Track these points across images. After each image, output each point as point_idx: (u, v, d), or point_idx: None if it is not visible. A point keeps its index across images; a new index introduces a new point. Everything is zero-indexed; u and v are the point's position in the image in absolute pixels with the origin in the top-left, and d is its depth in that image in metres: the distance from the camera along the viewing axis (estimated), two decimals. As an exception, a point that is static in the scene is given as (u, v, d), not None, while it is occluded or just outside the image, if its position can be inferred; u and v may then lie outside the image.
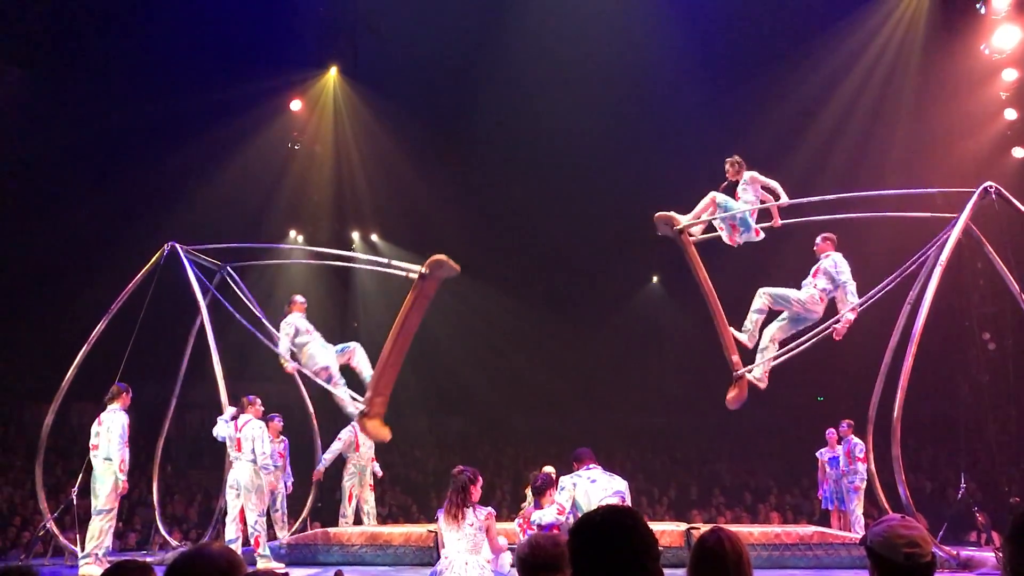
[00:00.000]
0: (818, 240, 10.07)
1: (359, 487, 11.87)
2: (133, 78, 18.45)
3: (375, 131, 20.64)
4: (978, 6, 16.61)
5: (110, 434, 9.51)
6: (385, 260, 11.10)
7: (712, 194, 10.08)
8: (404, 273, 10.33)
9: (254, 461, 9.76)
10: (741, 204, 9.93)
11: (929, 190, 11.30)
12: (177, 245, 10.98)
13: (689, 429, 23.05)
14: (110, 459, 9.47)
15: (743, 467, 20.86)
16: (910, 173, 18.63)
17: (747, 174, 9.99)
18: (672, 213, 10.23)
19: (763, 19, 19.04)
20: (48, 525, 10.46)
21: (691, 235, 10.21)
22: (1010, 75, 16.58)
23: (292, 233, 21.03)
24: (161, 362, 12.15)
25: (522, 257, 23.58)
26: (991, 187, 9.23)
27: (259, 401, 10.36)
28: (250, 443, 9.78)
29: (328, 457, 11.81)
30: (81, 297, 15.80)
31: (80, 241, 18.63)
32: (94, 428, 9.71)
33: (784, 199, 9.81)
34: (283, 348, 10.49)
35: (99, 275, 14.81)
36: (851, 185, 19.35)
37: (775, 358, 9.84)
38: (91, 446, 9.63)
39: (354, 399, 10.34)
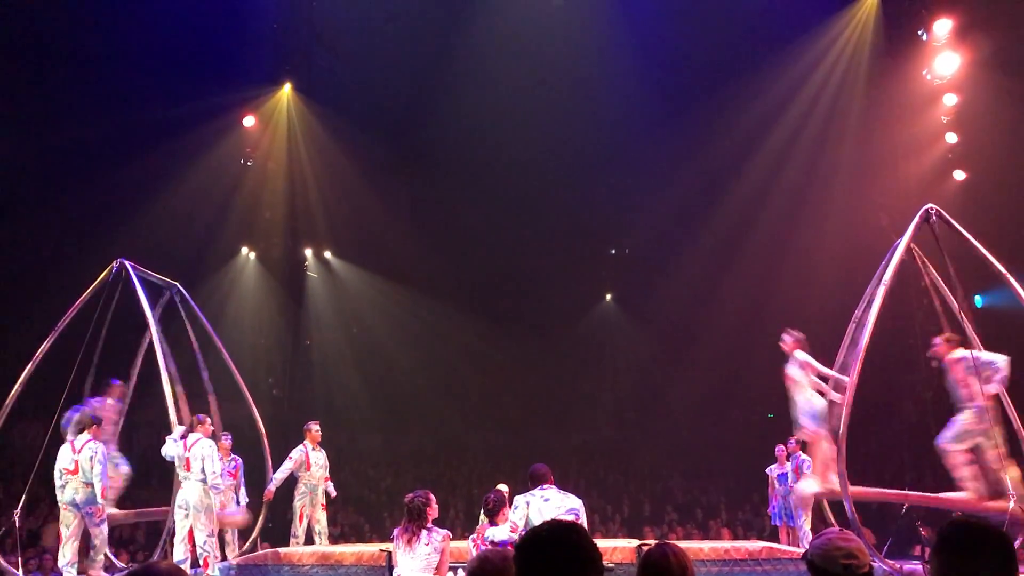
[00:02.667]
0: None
1: (310, 507, 11.76)
2: (82, 93, 18.15)
3: (329, 148, 20.59)
4: (920, 33, 17.11)
5: (92, 462, 9.75)
6: None
7: None
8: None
9: (204, 480, 9.66)
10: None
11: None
12: (126, 262, 10.82)
13: (642, 446, 23.22)
14: (92, 484, 9.74)
15: (695, 484, 21.03)
16: (856, 193, 19.07)
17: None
18: None
19: (713, 44, 19.41)
20: (-11, 548, 10.22)
21: None
22: (950, 100, 17.08)
23: (244, 250, 20.86)
24: (109, 381, 11.93)
25: (475, 275, 23.63)
26: (932, 209, 9.48)
27: (209, 420, 10.25)
28: (199, 462, 9.67)
29: (279, 477, 11.68)
30: (28, 315, 15.49)
31: (27, 258, 18.29)
32: (68, 454, 9.84)
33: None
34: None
35: (47, 292, 14.56)
36: (799, 204, 19.88)
37: None
38: (66, 469, 9.80)
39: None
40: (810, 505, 12.35)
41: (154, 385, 10.86)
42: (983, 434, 8.93)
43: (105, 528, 9.99)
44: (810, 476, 9.78)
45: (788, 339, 10.21)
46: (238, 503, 11.56)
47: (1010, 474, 8.72)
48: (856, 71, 18.70)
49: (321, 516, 11.86)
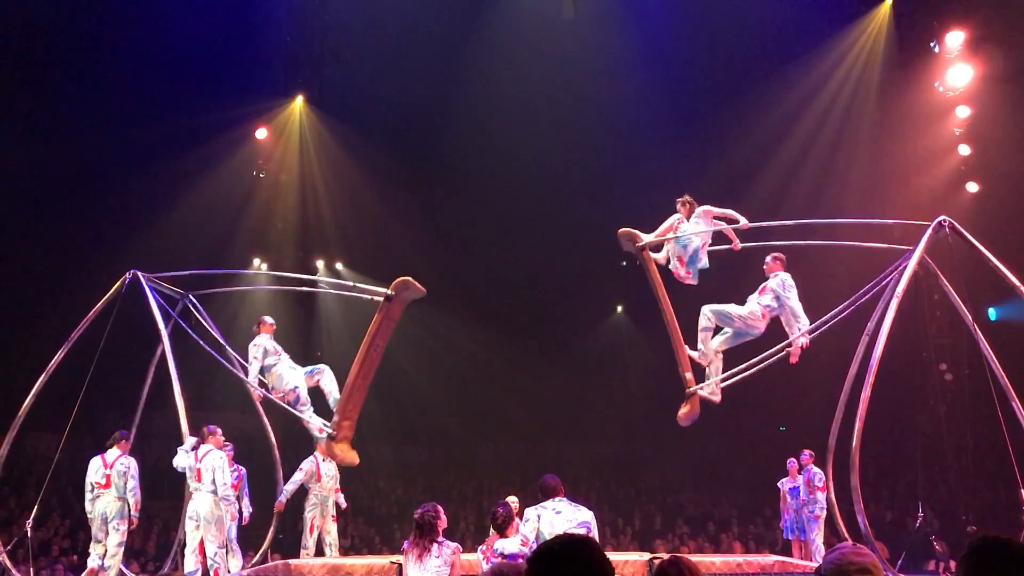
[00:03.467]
0: (768, 259, 10.25)
1: (321, 518, 11.75)
2: (97, 106, 18.29)
3: (341, 160, 20.66)
4: (932, 45, 17.07)
5: (125, 477, 10.16)
6: (350, 284, 11.14)
7: (677, 215, 10.21)
8: (370, 296, 10.40)
9: (214, 492, 9.68)
10: (694, 238, 10.07)
11: (886, 221, 11.45)
12: (139, 273, 10.87)
13: (654, 459, 23.13)
14: (125, 499, 10.13)
15: (707, 497, 20.94)
16: (868, 206, 18.99)
17: (699, 208, 10.13)
18: (635, 230, 10.35)
19: (725, 56, 19.43)
20: (1, 558, 10.25)
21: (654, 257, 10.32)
22: (963, 112, 17.03)
23: (256, 261, 20.92)
24: (121, 391, 11.98)
25: (487, 286, 23.63)
26: (945, 221, 9.44)
27: (220, 431, 10.28)
28: (210, 473, 9.70)
29: (290, 488, 11.69)
30: (41, 325, 15.57)
31: (41, 269, 18.40)
32: (99, 469, 10.18)
33: (742, 222, 9.95)
34: (253, 373, 10.50)
35: (60, 303, 14.63)
36: (811, 215, 19.79)
37: (727, 378, 9.94)
38: (97, 483, 10.13)
39: (325, 426, 10.33)
40: (822, 518, 12.31)
41: (166, 396, 10.90)
42: None
43: (124, 542, 10.23)
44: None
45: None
46: (241, 514, 11.56)
47: None
48: (868, 83, 18.67)
49: (331, 527, 11.86)
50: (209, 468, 9.74)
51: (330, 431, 9.95)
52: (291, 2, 19.41)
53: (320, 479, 11.70)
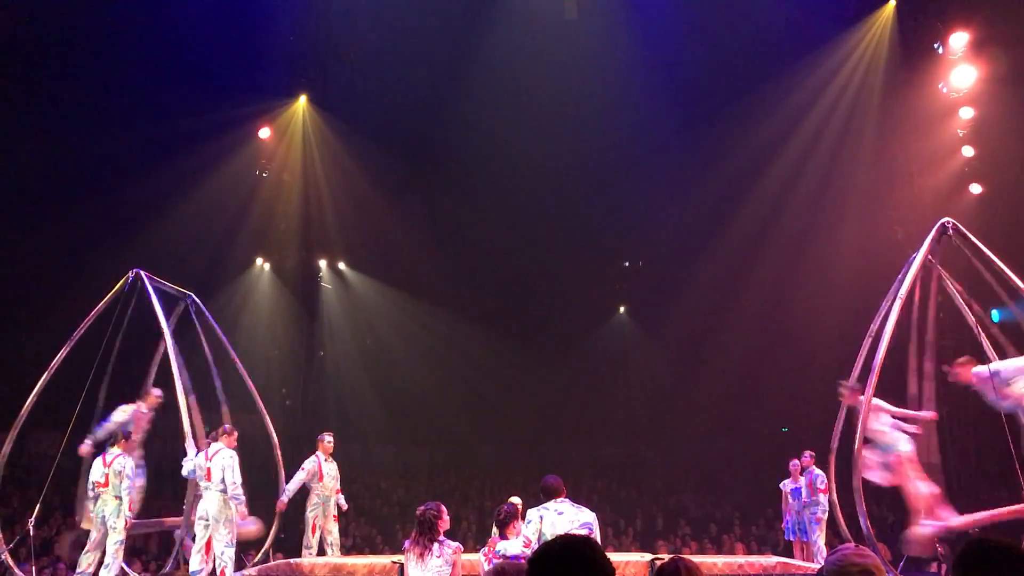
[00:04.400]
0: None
1: (323, 518, 11.76)
2: (100, 105, 18.34)
3: (344, 160, 20.67)
4: (936, 46, 17.06)
5: (120, 476, 10.11)
6: None
7: None
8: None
9: (224, 491, 9.69)
10: None
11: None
12: (142, 272, 10.88)
13: (655, 460, 23.13)
14: (120, 498, 10.07)
15: (709, 498, 20.92)
16: (871, 207, 19.00)
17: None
18: None
19: (729, 55, 19.40)
20: (3, 556, 10.27)
21: None
22: (967, 113, 17.02)
23: (259, 261, 20.95)
24: (124, 390, 11.98)
25: (489, 287, 23.65)
26: (949, 223, 9.43)
27: (236, 433, 10.33)
28: (220, 472, 9.72)
29: (292, 487, 11.69)
30: (44, 324, 15.59)
31: (45, 267, 18.43)
32: (99, 468, 10.17)
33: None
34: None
35: (63, 302, 14.64)
36: (814, 217, 19.83)
37: None
38: (97, 483, 10.12)
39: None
40: (824, 520, 12.29)
41: (168, 395, 10.92)
42: None
43: (123, 541, 10.14)
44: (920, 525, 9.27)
45: (846, 392, 9.85)
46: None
47: None
48: (871, 84, 18.65)
49: (333, 527, 11.86)
50: (219, 467, 9.75)
51: None
52: (295, 2, 19.42)
53: (322, 479, 11.71)
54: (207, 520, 9.73)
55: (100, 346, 10.42)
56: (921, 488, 9.25)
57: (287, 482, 11.88)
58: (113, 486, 10.07)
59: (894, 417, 9.56)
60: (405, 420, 22.67)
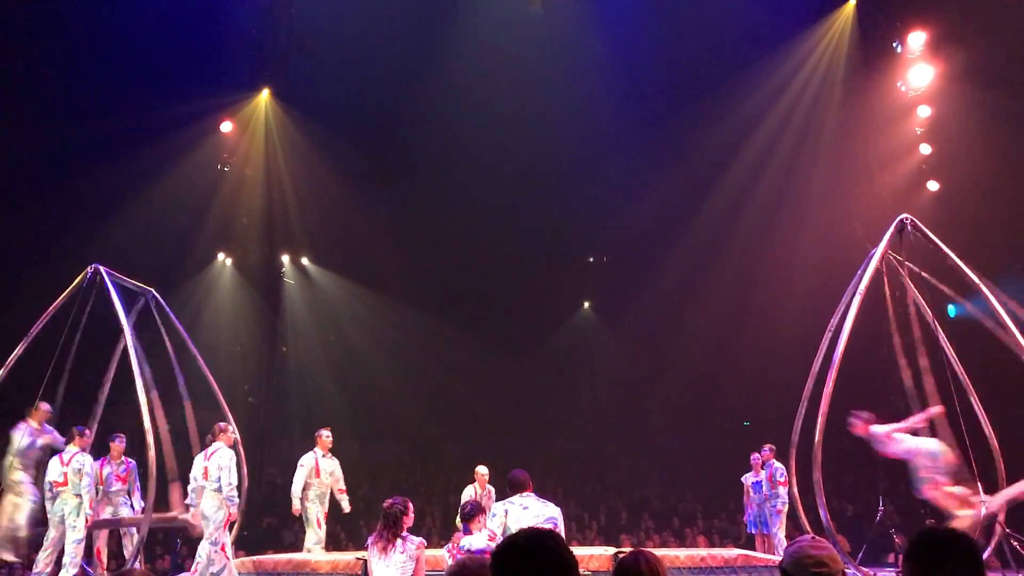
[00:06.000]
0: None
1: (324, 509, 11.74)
2: (59, 97, 18.03)
3: (307, 154, 20.52)
4: (894, 45, 17.32)
5: (80, 474, 9.99)
6: None
7: None
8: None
9: (219, 489, 9.58)
10: None
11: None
12: (101, 268, 10.71)
13: (619, 454, 23.27)
14: (80, 496, 9.96)
15: (672, 492, 21.09)
16: (832, 204, 19.25)
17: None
18: None
19: (691, 54, 19.52)
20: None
21: None
22: (924, 111, 17.32)
23: (221, 256, 20.74)
24: (83, 387, 11.81)
25: (453, 282, 23.61)
26: (907, 219, 9.58)
27: (231, 428, 10.24)
28: (217, 471, 9.60)
29: (297, 490, 11.48)
30: (1, 320, 15.32)
31: (2, 262, 18.10)
32: (56, 467, 10.07)
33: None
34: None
35: (20, 297, 14.41)
36: (775, 213, 20.05)
37: None
38: (55, 482, 10.02)
39: None
40: (784, 512, 12.44)
41: (128, 392, 10.77)
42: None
43: (82, 540, 10.03)
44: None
45: (858, 423, 9.91)
46: (132, 508, 11.29)
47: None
48: (832, 82, 18.90)
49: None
50: (215, 466, 9.65)
51: None
52: (257, -6, 19.23)
53: (319, 474, 11.65)
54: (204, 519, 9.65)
55: (58, 342, 10.26)
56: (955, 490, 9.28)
57: (248, 479, 11.76)
58: (72, 484, 9.96)
59: (907, 433, 9.62)
60: (369, 416, 22.58)
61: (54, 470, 10.07)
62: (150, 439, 9.84)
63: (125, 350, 10.59)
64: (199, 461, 9.85)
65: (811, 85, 19.08)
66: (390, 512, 6.74)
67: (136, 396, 10.12)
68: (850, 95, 18.68)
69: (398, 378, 22.51)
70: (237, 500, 9.93)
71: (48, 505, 10.11)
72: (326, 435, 11.84)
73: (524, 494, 6.90)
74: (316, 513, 11.60)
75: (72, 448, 10.14)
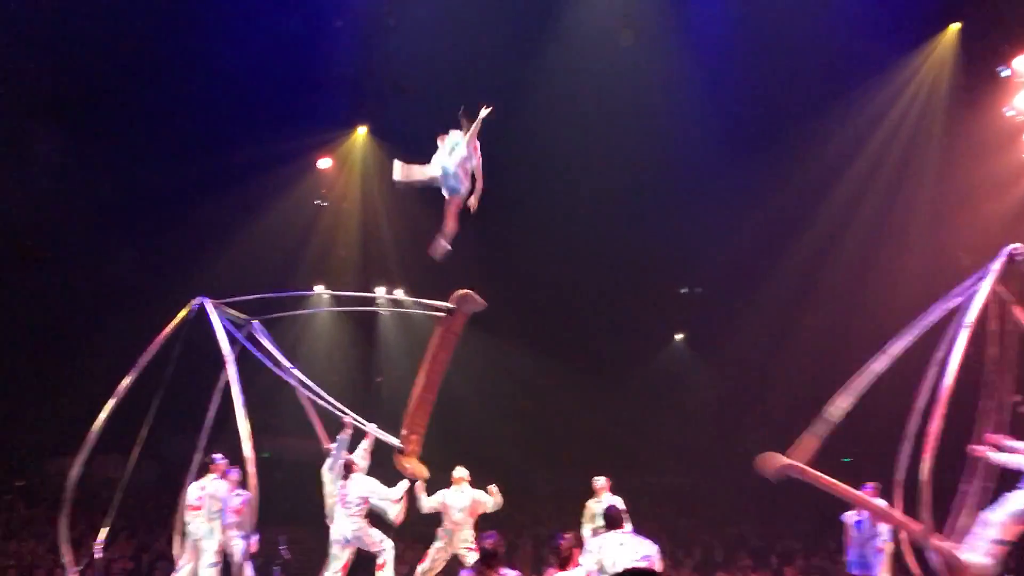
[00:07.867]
0: None
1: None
2: (164, 136, 18.78)
3: (402, 190, 20.82)
4: (999, 70, 16.76)
5: (214, 499, 10.65)
6: (410, 300, 11.48)
7: None
8: (432, 312, 10.71)
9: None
10: None
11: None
12: (206, 300, 11.02)
13: (714, 489, 22.78)
14: (212, 520, 10.61)
15: (769, 529, 20.53)
16: (935, 232, 18.65)
17: None
18: None
19: (789, 81, 19.20)
20: (74, 579, 10.45)
21: None
22: (1033, 137, 16.68)
23: (319, 287, 21.21)
24: (187, 416, 12.15)
25: (545, 314, 23.59)
26: (1016, 249, 9.19)
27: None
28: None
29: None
30: (107, 350, 15.93)
31: (110, 294, 18.88)
32: (195, 491, 10.72)
33: None
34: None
35: (125, 329, 14.94)
36: (876, 242, 19.51)
37: None
38: (190, 506, 10.65)
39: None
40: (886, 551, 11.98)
41: (231, 421, 11.01)
42: None
43: (217, 563, 10.53)
44: None
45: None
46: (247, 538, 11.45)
47: None
48: (934, 108, 18.40)
49: None
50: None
51: (399, 445, 10.22)
52: (355, 34, 19.73)
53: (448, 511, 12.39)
54: (342, 541, 10.31)
55: (160, 372, 10.61)
56: None
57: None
58: (207, 509, 10.48)
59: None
60: (459, 446, 22.63)
61: (192, 493, 10.63)
62: (251, 468, 10.03)
63: (228, 380, 10.84)
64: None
65: (912, 111, 18.59)
66: (492, 551, 6.70)
67: (236, 425, 10.36)
68: (953, 122, 18.14)
69: (489, 409, 22.56)
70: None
71: (187, 528, 10.56)
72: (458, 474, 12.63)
73: (620, 530, 6.82)
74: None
75: (210, 476, 10.75)
